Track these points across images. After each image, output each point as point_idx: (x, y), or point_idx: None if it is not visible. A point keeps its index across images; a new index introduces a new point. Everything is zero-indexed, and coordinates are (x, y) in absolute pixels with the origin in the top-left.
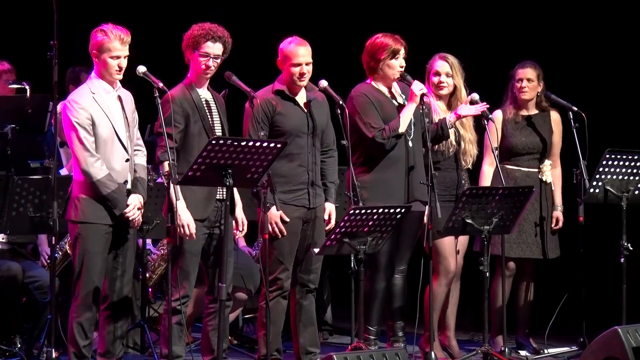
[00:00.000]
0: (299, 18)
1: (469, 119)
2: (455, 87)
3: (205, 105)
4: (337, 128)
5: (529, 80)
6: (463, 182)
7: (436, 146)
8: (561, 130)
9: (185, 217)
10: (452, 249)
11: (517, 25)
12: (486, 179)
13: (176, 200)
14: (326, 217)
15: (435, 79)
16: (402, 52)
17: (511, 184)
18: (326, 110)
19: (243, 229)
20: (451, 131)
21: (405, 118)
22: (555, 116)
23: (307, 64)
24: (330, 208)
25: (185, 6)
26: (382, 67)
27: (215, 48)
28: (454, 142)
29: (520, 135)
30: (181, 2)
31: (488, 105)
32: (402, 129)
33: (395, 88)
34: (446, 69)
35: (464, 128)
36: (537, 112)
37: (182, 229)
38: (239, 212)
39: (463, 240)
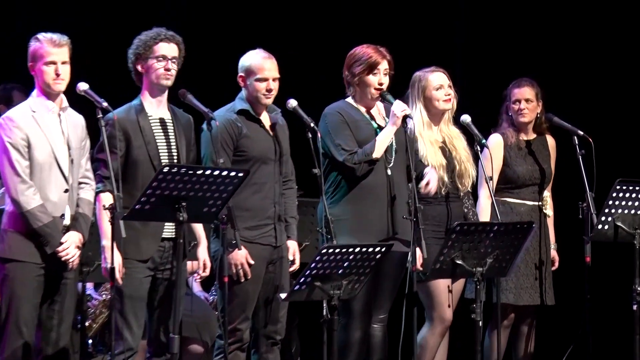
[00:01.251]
0: (262, 27)
1: (460, 136)
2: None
3: (159, 126)
4: (308, 154)
5: (527, 101)
6: (466, 210)
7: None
8: (555, 157)
9: (113, 259)
10: (447, 293)
11: (513, 36)
12: (485, 213)
13: (120, 237)
14: (291, 257)
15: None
16: (384, 66)
17: (516, 219)
18: (287, 134)
19: (205, 272)
20: (437, 159)
21: (382, 142)
22: (551, 141)
23: (274, 80)
24: (293, 247)
25: (139, 20)
26: (359, 83)
27: (170, 49)
28: (445, 179)
29: (525, 164)
30: (136, 16)
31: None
32: (376, 154)
33: (379, 108)
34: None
35: (454, 148)
36: (535, 136)
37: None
38: (202, 251)
39: (457, 284)
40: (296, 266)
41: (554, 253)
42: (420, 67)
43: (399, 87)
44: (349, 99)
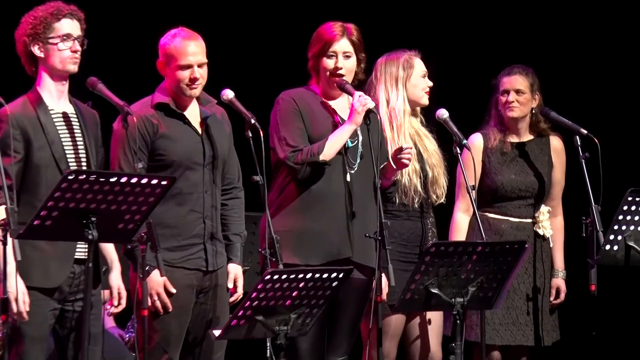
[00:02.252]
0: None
1: (429, 137)
2: None
3: (63, 122)
4: (249, 158)
5: (518, 92)
6: (430, 233)
7: (394, 194)
8: (564, 163)
9: (16, 288)
10: (398, 329)
11: (503, 15)
12: (459, 231)
13: (16, 260)
14: (230, 285)
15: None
16: (342, 47)
17: (495, 239)
18: (228, 132)
19: (120, 304)
20: (413, 171)
21: (334, 142)
22: (556, 143)
23: (199, 66)
24: (235, 271)
25: None
26: (317, 67)
27: (75, 27)
28: (419, 188)
29: (509, 172)
30: None
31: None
32: (325, 155)
33: (349, 100)
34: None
35: (425, 149)
36: (531, 137)
37: (12, 305)
38: (116, 278)
39: (437, 318)
40: (238, 295)
41: (559, 282)
42: (387, 48)
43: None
44: (313, 86)
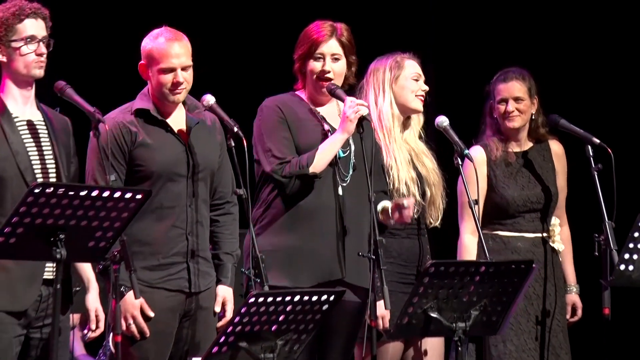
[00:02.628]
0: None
1: (429, 154)
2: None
3: (28, 131)
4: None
5: (517, 100)
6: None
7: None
8: (566, 168)
9: None
10: (395, 357)
11: (501, 13)
12: (470, 254)
13: None
14: (218, 309)
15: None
16: (331, 48)
17: (514, 258)
18: (219, 140)
19: (98, 327)
20: (410, 179)
21: (325, 153)
22: (556, 147)
23: (184, 69)
24: (224, 294)
25: None
26: (304, 70)
27: (39, 27)
28: (418, 197)
29: (517, 184)
30: None
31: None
32: (315, 167)
33: (338, 106)
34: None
35: (423, 166)
36: (531, 144)
37: None
38: (93, 299)
39: (437, 345)
40: (226, 320)
41: (574, 298)
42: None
43: None
44: (298, 92)
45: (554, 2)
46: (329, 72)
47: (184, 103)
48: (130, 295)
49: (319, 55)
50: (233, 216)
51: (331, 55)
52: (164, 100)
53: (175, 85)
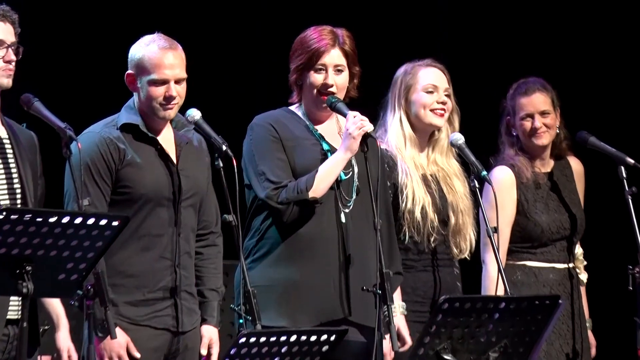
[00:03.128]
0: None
1: (461, 175)
2: None
3: None
4: (219, 193)
5: (543, 114)
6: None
7: (404, 227)
8: (584, 188)
9: None
10: None
11: (516, 22)
12: (493, 286)
13: None
14: (204, 352)
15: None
16: (333, 59)
17: (545, 292)
18: (206, 163)
19: None
20: (424, 195)
21: (326, 175)
22: (576, 165)
23: (177, 82)
24: (210, 335)
25: None
26: (301, 82)
27: (6, 32)
28: (435, 223)
29: (548, 209)
30: None
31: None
32: (314, 192)
33: (339, 123)
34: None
35: (451, 190)
36: (552, 163)
37: None
38: (64, 338)
39: None
40: None
41: (590, 334)
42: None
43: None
44: (293, 107)
45: (563, 7)
46: (331, 85)
47: (170, 120)
48: (117, 332)
49: (321, 67)
50: (218, 248)
51: (334, 67)
52: (152, 115)
53: (168, 99)
